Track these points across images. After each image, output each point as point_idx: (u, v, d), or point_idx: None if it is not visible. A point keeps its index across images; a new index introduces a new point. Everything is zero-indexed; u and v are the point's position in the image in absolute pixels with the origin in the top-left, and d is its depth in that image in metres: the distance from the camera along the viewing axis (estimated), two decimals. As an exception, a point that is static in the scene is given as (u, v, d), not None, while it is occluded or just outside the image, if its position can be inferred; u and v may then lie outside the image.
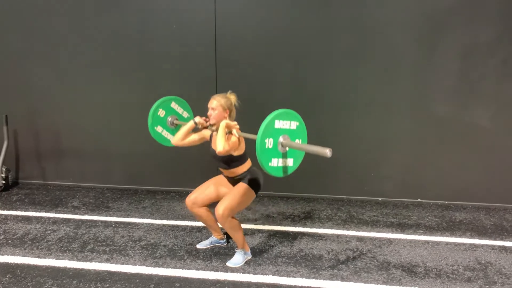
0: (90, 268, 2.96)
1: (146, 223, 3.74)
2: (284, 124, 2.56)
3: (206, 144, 3.12)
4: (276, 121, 2.52)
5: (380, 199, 4.36)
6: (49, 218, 3.85)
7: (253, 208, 4.10)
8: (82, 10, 4.35)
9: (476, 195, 4.21)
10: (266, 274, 2.89)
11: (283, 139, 2.56)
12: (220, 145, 2.69)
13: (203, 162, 4.38)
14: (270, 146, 2.51)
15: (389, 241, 3.44)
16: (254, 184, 2.98)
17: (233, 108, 2.96)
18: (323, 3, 4.05)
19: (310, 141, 4.51)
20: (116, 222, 3.76)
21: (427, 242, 3.43)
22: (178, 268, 2.96)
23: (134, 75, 4.37)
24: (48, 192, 4.55)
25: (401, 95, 4.14)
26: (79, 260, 3.08)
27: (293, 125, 2.62)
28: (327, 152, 2.35)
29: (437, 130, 4.15)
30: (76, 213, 3.96)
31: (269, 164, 2.53)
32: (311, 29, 4.09)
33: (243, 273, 2.91)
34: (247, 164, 3.01)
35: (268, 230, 3.62)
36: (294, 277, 2.87)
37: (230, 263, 3.01)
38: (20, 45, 4.51)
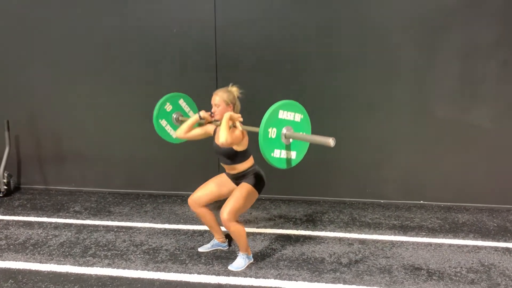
0: (91, 273, 2.95)
1: (147, 228, 3.74)
2: (288, 115, 2.52)
3: (210, 140, 3.09)
4: (280, 111, 2.47)
5: (382, 201, 4.34)
6: (50, 223, 3.85)
7: (255, 211, 4.09)
8: (82, 15, 4.36)
9: (479, 197, 4.19)
10: (268, 278, 2.88)
11: (287, 130, 2.52)
12: (223, 136, 2.70)
13: (205, 166, 4.39)
14: (273, 136, 2.47)
15: (392, 243, 3.43)
16: (257, 182, 2.98)
17: (236, 101, 2.96)
18: (323, 6, 4.05)
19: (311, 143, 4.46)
20: (117, 227, 3.76)
21: (430, 244, 3.41)
22: (180, 273, 2.96)
23: (135, 80, 4.38)
24: (49, 197, 4.55)
25: (402, 97, 4.13)
26: (80, 265, 3.08)
27: (297, 117, 2.57)
28: (330, 141, 2.31)
29: (439, 131, 4.13)
30: (78, 218, 3.96)
31: (272, 154, 2.49)
32: (312, 33, 4.09)
33: (244, 277, 2.90)
34: (250, 162, 3.01)
35: (270, 234, 3.61)
36: (296, 280, 2.86)
37: (232, 267, 3.01)
38: (21, 50, 4.53)
